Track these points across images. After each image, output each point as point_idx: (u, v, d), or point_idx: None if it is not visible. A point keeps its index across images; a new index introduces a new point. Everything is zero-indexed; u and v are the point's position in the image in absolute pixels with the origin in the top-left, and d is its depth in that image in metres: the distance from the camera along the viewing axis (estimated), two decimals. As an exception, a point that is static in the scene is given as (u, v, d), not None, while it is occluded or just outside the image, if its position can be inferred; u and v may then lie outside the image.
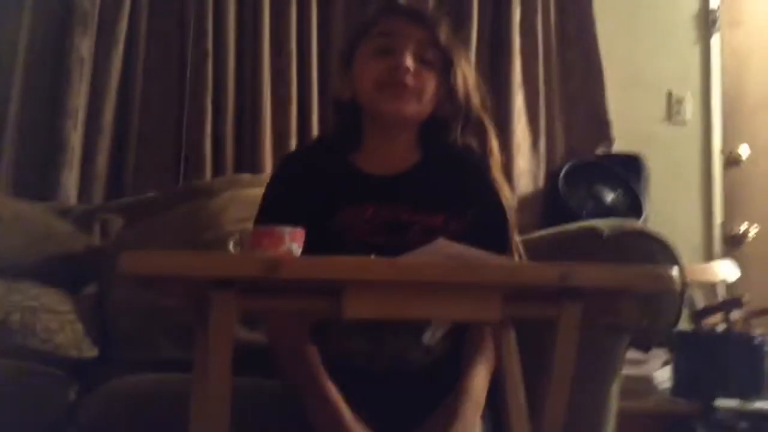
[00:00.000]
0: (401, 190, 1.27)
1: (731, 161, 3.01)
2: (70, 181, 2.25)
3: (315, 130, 2.42)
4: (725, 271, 2.62)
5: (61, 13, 2.34)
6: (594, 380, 1.37)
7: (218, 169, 2.37)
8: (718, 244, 2.90)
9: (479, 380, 1.14)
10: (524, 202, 2.59)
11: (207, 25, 2.39)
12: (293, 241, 0.99)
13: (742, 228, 2.97)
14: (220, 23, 2.41)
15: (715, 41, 2.98)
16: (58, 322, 1.56)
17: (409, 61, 1.24)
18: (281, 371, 1.18)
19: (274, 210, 1.27)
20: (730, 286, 2.59)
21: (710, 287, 2.58)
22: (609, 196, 2.53)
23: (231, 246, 1.00)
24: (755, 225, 2.98)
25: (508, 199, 1.31)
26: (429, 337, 1.17)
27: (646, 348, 1.98)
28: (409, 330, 1.17)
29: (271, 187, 1.33)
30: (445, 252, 0.90)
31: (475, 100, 1.32)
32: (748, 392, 2.08)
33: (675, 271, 0.89)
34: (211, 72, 2.38)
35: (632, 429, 1.82)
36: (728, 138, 2.98)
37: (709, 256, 2.85)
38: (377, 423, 1.08)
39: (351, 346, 1.18)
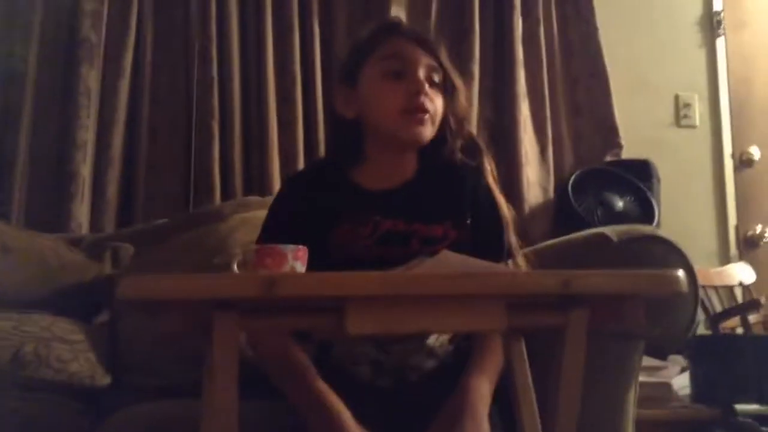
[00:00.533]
0: (400, 203, 1.29)
1: (743, 163, 2.98)
2: (81, 211, 2.27)
3: (322, 150, 2.43)
4: (741, 273, 2.60)
5: (68, 44, 2.37)
6: (608, 389, 1.35)
7: (227, 193, 2.38)
8: (733, 247, 2.87)
9: (486, 376, 1.14)
10: (535, 213, 2.58)
11: (211, 52, 2.41)
12: (296, 259, 0.99)
13: (758, 230, 2.95)
14: (224, 49, 2.44)
15: (721, 43, 2.97)
16: (71, 351, 1.56)
17: (425, 85, 1.28)
18: (273, 382, 1.17)
19: (277, 229, 1.29)
20: (746, 289, 2.57)
21: (727, 291, 2.55)
22: (619, 203, 2.51)
23: (235, 266, 1.00)
24: (770, 226, 2.95)
25: (504, 207, 1.34)
26: (434, 341, 1.17)
27: (662, 355, 1.96)
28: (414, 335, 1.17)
29: (274, 206, 1.36)
30: (448, 263, 0.90)
31: (470, 120, 1.35)
32: (768, 396, 2.05)
33: (681, 273, 0.87)
34: (217, 97, 2.41)
35: (653, 437, 1.80)
36: (738, 140, 2.96)
37: (724, 260, 2.83)
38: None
39: (358, 353, 1.19)
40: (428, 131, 1.30)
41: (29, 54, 2.33)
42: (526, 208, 2.54)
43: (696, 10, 2.98)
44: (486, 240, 1.28)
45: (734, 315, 2.39)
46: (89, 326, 1.68)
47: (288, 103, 2.45)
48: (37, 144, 2.31)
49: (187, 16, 2.49)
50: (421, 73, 1.29)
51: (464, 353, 1.20)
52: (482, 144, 1.39)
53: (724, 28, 2.97)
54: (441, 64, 1.32)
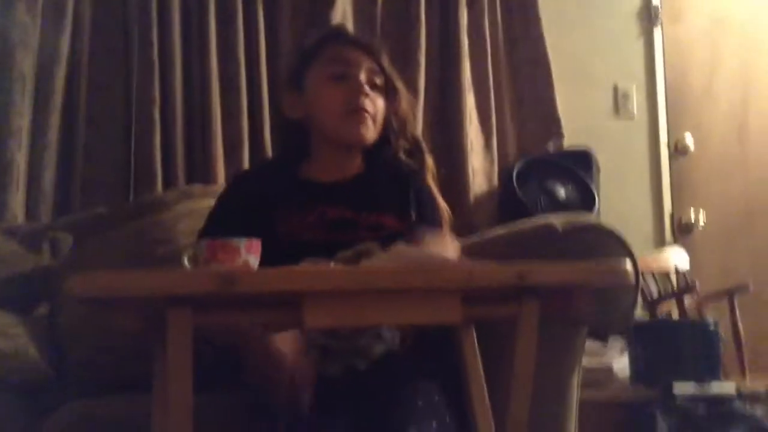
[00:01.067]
0: (347, 193, 1.34)
1: (678, 151, 3.08)
2: (17, 200, 2.19)
3: (267, 139, 2.40)
4: (677, 258, 2.69)
5: (2, 28, 2.28)
6: (555, 373, 1.38)
7: (169, 181, 2.33)
8: (668, 233, 2.97)
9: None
10: (480, 201, 2.61)
11: (152, 35, 2.35)
12: (250, 252, 0.98)
13: (692, 216, 3.05)
14: (165, 32, 2.37)
15: (658, 35, 3.04)
16: (10, 345, 1.52)
17: (366, 87, 1.34)
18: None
19: (224, 218, 1.33)
20: (681, 274, 2.65)
21: (663, 275, 2.63)
22: (561, 191, 2.57)
23: (185, 260, 0.98)
24: (703, 212, 3.05)
25: (443, 208, 1.42)
26: (387, 331, 1.18)
27: (603, 338, 2.01)
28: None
29: (222, 197, 1.40)
30: (403, 256, 0.90)
31: (413, 121, 1.47)
32: (704, 376, 2.14)
33: (629, 265, 0.90)
34: (158, 82, 2.34)
35: (595, 418, 1.86)
36: (674, 128, 3.05)
37: (660, 245, 2.91)
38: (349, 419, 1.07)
39: (307, 339, 1.19)
40: (370, 132, 1.35)
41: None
42: (472, 196, 2.56)
43: (635, 2, 3.05)
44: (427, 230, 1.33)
45: (670, 299, 2.47)
46: (28, 319, 1.63)
47: (232, 90, 2.40)
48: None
49: (126, -2, 2.41)
50: (363, 76, 1.35)
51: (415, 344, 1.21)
52: (425, 146, 1.46)
53: (661, 20, 3.04)
54: (382, 68, 1.39)
